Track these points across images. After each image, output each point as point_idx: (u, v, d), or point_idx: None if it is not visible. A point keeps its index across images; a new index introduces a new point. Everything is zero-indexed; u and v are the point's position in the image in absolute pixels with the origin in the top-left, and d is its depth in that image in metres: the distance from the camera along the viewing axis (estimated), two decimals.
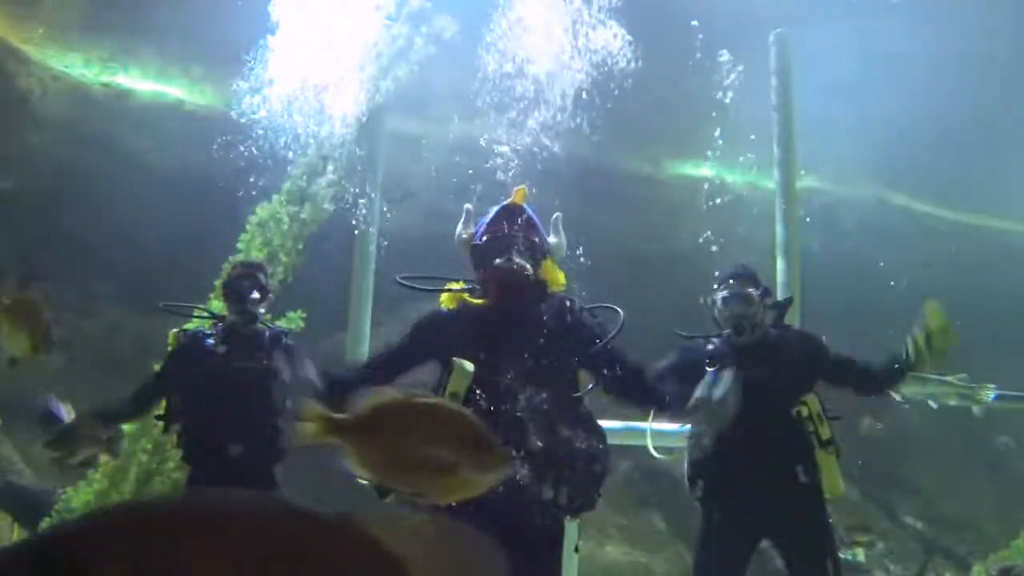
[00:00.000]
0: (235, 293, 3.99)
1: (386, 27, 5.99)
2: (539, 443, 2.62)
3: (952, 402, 5.75)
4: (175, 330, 4.09)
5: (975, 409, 5.74)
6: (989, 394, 5.69)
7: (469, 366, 2.60)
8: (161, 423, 4.14)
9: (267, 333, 4.09)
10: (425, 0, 5.94)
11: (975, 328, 10.14)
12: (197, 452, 3.95)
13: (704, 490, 3.69)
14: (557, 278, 2.95)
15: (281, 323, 4.69)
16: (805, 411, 3.56)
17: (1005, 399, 6.06)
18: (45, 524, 4.84)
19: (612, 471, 2.79)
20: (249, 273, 4.07)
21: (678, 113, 8.73)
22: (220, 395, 3.84)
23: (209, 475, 3.93)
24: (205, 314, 4.34)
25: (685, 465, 3.84)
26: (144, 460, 4.75)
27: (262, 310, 4.12)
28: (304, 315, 5.19)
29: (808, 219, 6.18)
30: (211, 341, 3.99)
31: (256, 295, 3.97)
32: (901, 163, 10.05)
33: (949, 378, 5.66)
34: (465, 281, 3.00)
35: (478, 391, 2.66)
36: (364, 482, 2.95)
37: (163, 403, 4.05)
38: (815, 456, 3.55)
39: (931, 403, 5.62)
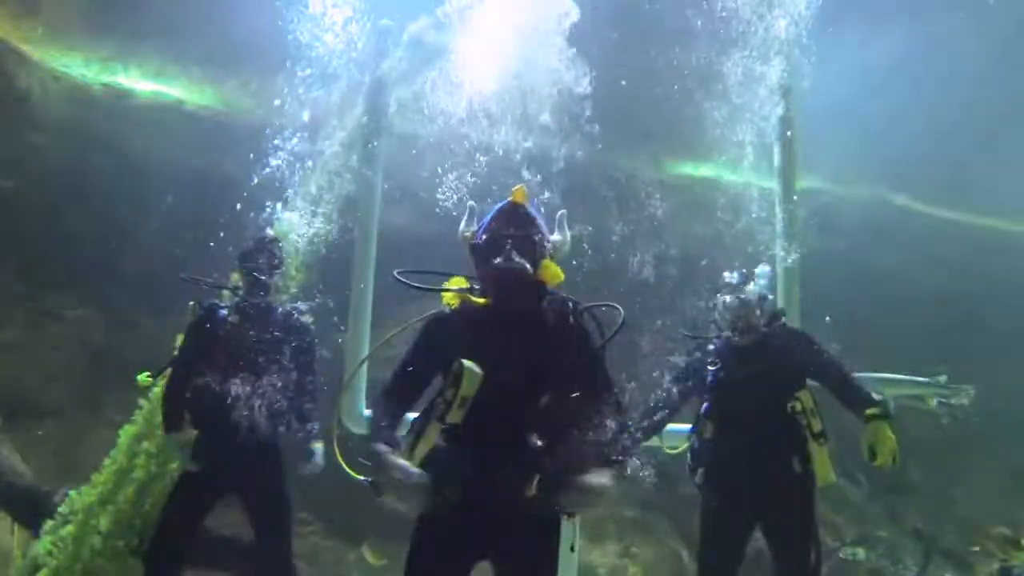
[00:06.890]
0: (248, 265, 4.29)
1: (385, 27, 5.98)
2: (538, 443, 2.61)
3: (932, 402, 5.87)
4: (192, 302, 4.34)
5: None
6: (969, 394, 5.85)
7: (478, 369, 2.55)
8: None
9: (279, 309, 4.37)
10: (427, 27, 5.94)
11: (974, 327, 10.19)
12: (204, 417, 4.09)
13: (704, 477, 4.02)
14: (555, 273, 2.83)
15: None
16: (799, 406, 3.85)
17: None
18: (46, 525, 4.84)
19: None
20: (262, 247, 4.36)
21: (678, 112, 8.73)
22: (230, 362, 4.08)
23: (215, 440, 4.09)
24: (222, 286, 4.61)
25: (688, 457, 4.16)
26: (147, 462, 4.75)
27: (273, 285, 4.40)
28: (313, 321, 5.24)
29: (808, 219, 6.21)
30: (225, 312, 4.27)
31: (267, 268, 4.30)
32: (901, 163, 10.05)
33: (929, 380, 5.77)
34: (468, 279, 2.96)
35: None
36: (361, 479, 3.00)
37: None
38: (808, 447, 3.83)
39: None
